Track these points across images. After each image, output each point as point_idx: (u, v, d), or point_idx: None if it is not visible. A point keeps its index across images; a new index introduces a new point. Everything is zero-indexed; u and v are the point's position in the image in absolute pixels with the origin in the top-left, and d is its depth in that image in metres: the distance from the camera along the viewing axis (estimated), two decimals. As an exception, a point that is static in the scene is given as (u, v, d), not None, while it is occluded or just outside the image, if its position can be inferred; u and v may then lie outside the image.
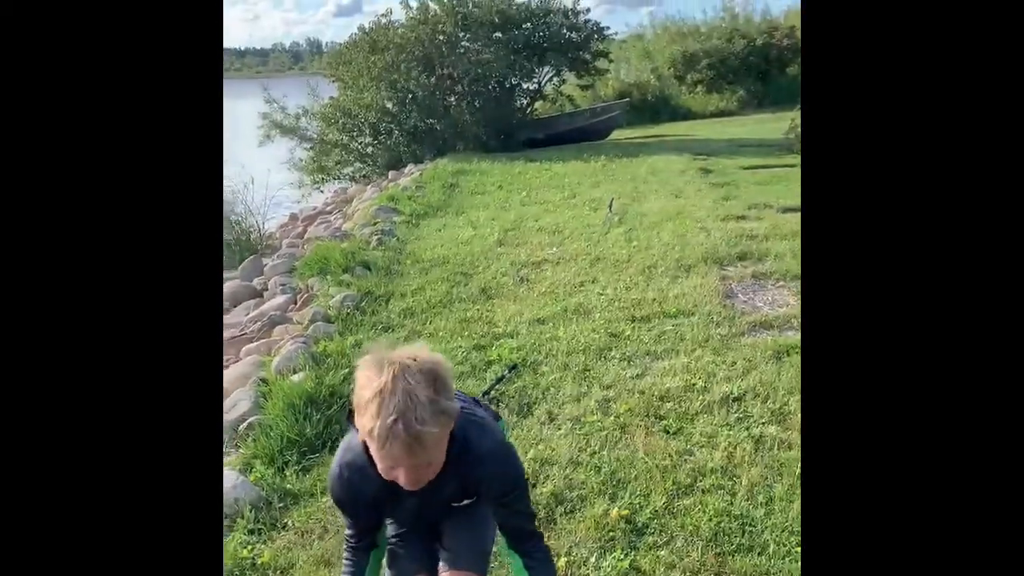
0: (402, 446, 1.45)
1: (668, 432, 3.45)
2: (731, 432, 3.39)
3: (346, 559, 1.88)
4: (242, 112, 17.32)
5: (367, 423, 1.46)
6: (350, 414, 1.62)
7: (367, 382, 1.48)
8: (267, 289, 6.78)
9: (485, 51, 14.21)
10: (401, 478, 1.53)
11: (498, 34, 14.62)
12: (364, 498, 1.75)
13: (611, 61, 17.30)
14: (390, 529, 2.03)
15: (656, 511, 2.86)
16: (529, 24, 14.93)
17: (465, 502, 1.81)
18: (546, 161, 12.04)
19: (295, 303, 5.98)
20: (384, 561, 2.01)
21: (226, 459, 3.51)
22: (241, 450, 3.55)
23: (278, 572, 2.69)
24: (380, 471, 1.56)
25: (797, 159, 11.03)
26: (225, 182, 8.81)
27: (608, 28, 15.80)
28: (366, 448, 1.58)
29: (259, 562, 2.73)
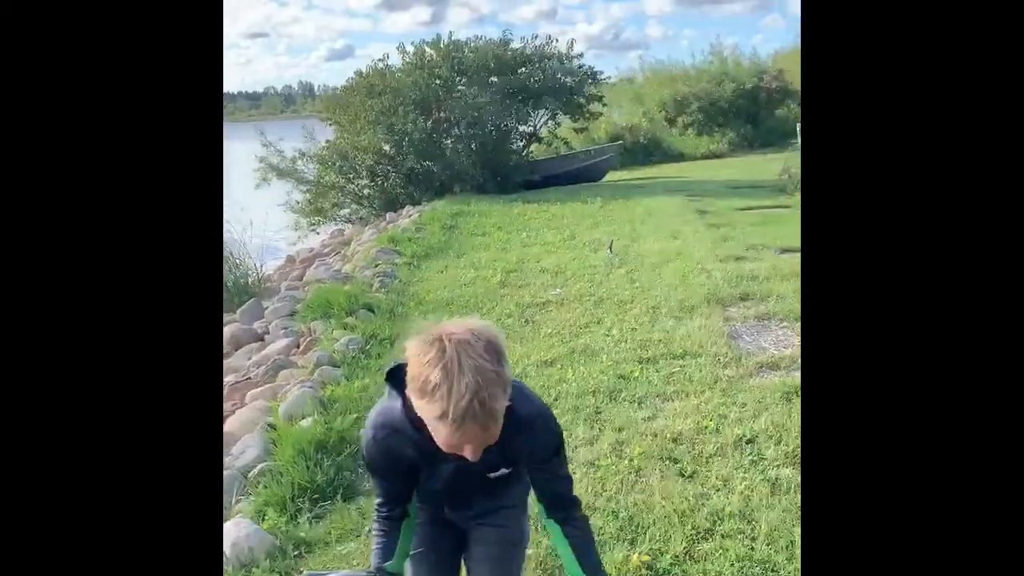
0: (478, 425, 1.43)
1: (683, 475, 3.43)
2: (747, 475, 3.38)
3: (377, 530, 1.80)
4: (236, 154, 17.40)
5: (437, 407, 1.41)
6: (390, 376, 1.62)
7: (429, 364, 1.42)
8: (268, 332, 6.75)
9: (481, 95, 14.39)
10: (468, 453, 1.51)
11: (494, 78, 14.82)
12: (400, 463, 1.69)
13: (605, 105, 17.55)
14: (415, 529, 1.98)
15: (677, 556, 2.84)
16: (524, 68, 15.17)
17: (501, 471, 1.75)
18: (543, 203, 12.13)
19: (298, 347, 5.96)
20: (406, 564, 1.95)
21: (237, 506, 3.47)
22: (252, 497, 3.51)
23: (296, 623, 2.64)
24: (444, 447, 1.51)
25: (791, 200, 11.15)
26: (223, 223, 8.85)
27: (601, 72, 16.07)
28: (405, 412, 1.58)
29: (276, 613, 2.68)
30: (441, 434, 1.47)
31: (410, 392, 1.48)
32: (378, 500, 1.80)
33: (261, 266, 10.10)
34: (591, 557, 1.76)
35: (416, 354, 1.44)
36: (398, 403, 1.62)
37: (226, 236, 9.40)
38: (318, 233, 15.01)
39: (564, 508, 1.77)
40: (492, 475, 1.74)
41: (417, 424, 1.55)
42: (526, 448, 1.70)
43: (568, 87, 15.50)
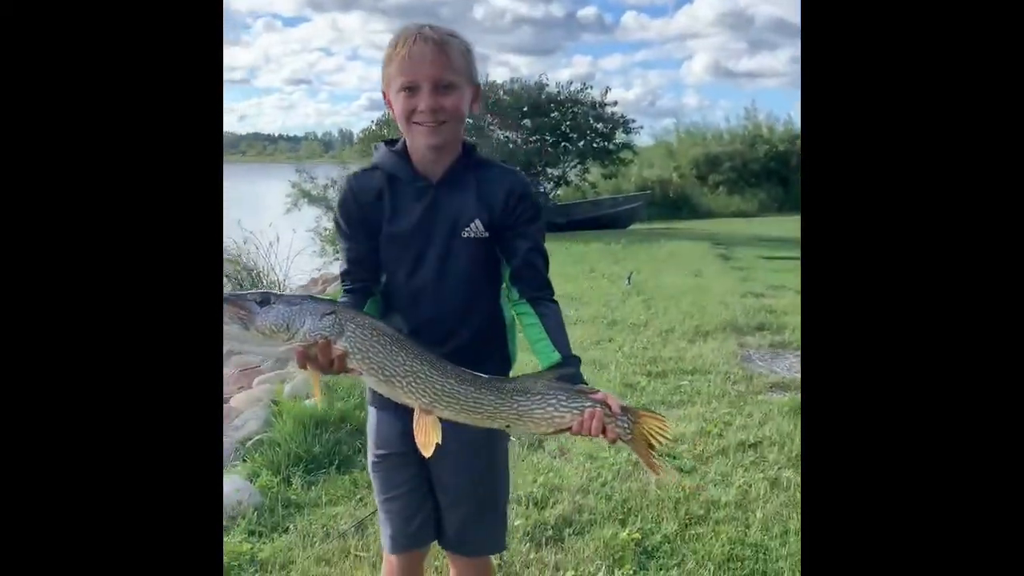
0: (431, 48, 1.51)
1: (682, 470, 3.37)
2: (746, 473, 3.32)
3: (341, 300, 1.66)
4: (274, 193, 17.69)
5: (390, 52, 1.56)
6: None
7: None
8: (283, 335, 6.78)
9: (512, 136, 14.60)
10: (423, 100, 1.54)
11: (527, 120, 15.04)
12: (369, 198, 1.64)
13: (635, 153, 17.71)
14: (376, 440, 1.77)
15: (667, 536, 2.78)
16: (557, 112, 15.40)
17: (475, 228, 1.63)
18: (567, 241, 12.19)
19: (311, 346, 5.98)
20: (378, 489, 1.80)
21: (232, 469, 3.46)
22: (248, 462, 3.50)
23: (277, 568, 2.61)
24: (400, 110, 1.57)
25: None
26: (247, 237, 9.05)
27: (633, 120, 16.25)
28: (386, 147, 1.67)
29: (258, 557, 2.65)
30: (396, 81, 1.56)
31: (384, 86, 1.62)
32: (343, 270, 1.70)
33: (285, 279, 10.19)
34: (563, 338, 1.63)
35: None
36: (381, 146, 1.70)
37: (252, 253, 9.57)
38: (343, 262, 15.12)
39: (539, 287, 1.66)
40: (465, 232, 1.63)
41: (397, 149, 1.64)
42: (505, 195, 1.63)
43: (599, 133, 15.68)
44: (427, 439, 1.47)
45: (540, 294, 1.66)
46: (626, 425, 1.49)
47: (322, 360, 1.42)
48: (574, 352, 1.62)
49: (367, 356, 1.43)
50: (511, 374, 1.77)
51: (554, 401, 1.48)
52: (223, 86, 1.27)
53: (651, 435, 1.51)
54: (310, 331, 1.39)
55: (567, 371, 1.55)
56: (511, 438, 1.92)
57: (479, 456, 1.74)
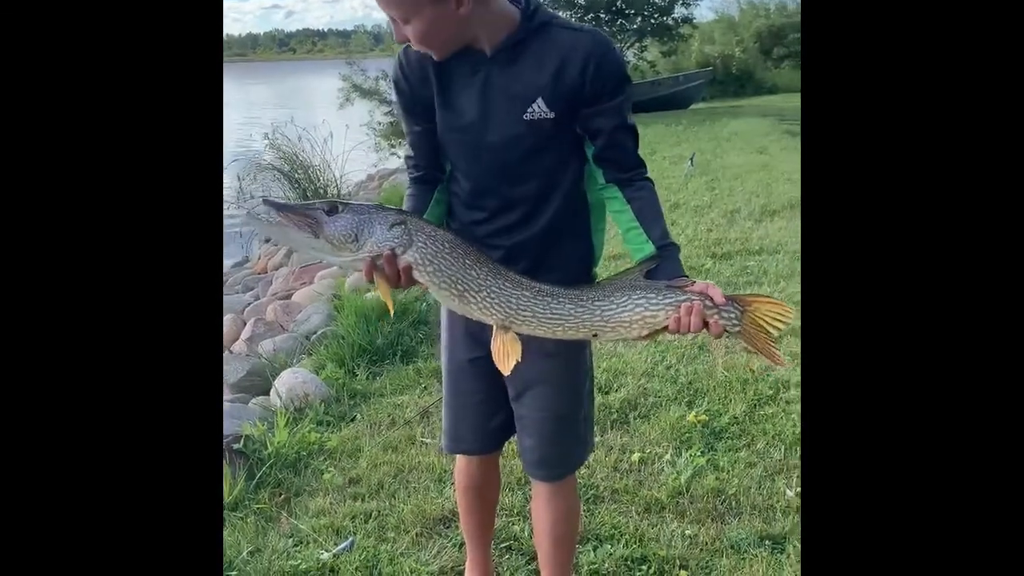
0: None
1: (750, 351, 3.29)
2: (818, 353, 3.22)
3: (408, 194, 1.55)
4: (324, 88, 17.45)
5: None
6: None
7: None
8: (343, 231, 6.82)
9: (567, 15, 14.02)
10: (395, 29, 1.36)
11: (580, -1, 14.42)
12: (416, 76, 1.45)
13: (695, 28, 16.90)
14: (449, 344, 1.66)
15: (736, 417, 2.73)
16: (612, -12, 14.71)
17: (538, 109, 1.40)
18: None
19: (370, 241, 5.99)
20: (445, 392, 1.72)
21: (298, 363, 3.51)
22: (313, 356, 3.54)
23: (345, 456, 2.65)
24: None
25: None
26: (301, 135, 8.99)
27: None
28: None
29: (327, 446, 2.70)
30: None
31: None
32: (405, 154, 1.56)
33: (340, 178, 10.18)
34: (657, 223, 1.42)
35: None
36: None
37: (307, 151, 9.53)
38: (399, 156, 15.05)
39: (627, 167, 1.45)
40: (527, 114, 1.40)
41: None
42: (582, 64, 1.37)
43: (658, 8, 14.95)
44: (506, 357, 1.36)
45: (629, 175, 1.45)
46: (733, 316, 1.32)
47: (388, 272, 1.32)
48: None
49: (439, 269, 1.33)
50: (598, 267, 1.63)
51: (642, 300, 1.33)
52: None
53: (767, 322, 1.32)
54: (378, 241, 1.30)
55: (660, 263, 1.37)
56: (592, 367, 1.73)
57: (558, 385, 1.59)
